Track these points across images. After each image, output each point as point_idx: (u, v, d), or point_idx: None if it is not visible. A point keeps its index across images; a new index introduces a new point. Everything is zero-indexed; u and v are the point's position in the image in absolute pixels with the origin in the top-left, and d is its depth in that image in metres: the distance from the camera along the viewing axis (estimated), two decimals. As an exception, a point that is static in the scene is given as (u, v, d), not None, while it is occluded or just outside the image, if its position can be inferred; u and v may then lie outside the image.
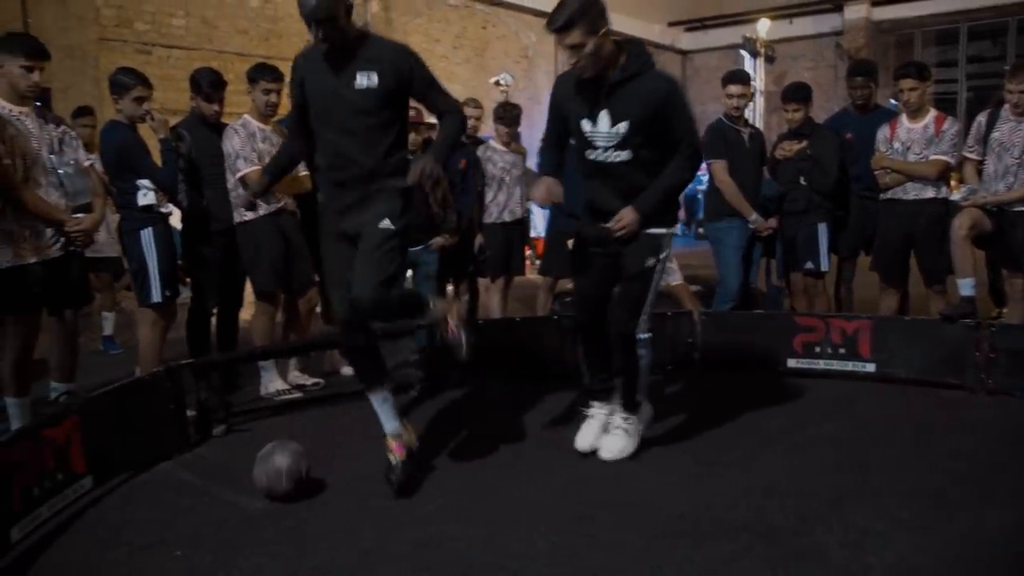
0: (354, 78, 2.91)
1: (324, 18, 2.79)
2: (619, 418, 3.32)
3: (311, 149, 3.17)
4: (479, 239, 5.47)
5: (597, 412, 3.41)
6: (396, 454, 3.07)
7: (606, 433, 3.33)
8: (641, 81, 3.00)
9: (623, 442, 3.29)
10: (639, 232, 3.12)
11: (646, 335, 3.25)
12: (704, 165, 4.49)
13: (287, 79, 3.32)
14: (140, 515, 2.94)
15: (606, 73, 3.00)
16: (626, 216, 3.08)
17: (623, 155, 3.07)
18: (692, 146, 3.09)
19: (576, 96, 3.10)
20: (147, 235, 4.08)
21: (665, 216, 3.19)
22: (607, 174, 3.13)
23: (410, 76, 3.00)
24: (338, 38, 2.88)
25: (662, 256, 3.18)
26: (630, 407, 3.31)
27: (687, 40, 17.54)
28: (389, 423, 3.12)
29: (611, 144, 3.07)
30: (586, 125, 3.10)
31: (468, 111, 5.47)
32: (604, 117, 3.04)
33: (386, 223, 2.92)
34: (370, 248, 2.90)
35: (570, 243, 5.44)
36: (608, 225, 3.10)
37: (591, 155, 3.13)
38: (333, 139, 2.99)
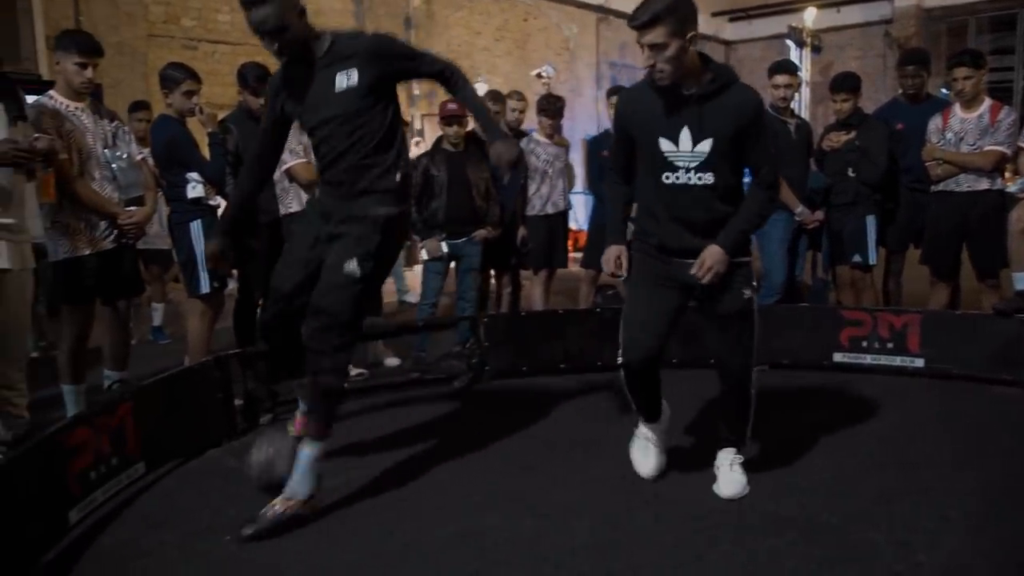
0: (333, 82, 2.76)
1: (273, 29, 2.65)
2: (730, 454, 2.98)
3: (262, 182, 3.17)
4: (522, 231, 5.47)
5: (651, 433, 3.12)
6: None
7: (722, 472, 2.96)
8: (729, 95, 2.66)
9: (742, 478, 2.94)
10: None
11: (754, 372, 2.90)
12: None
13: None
14: (190, 501, 3.02)
15: (683, 84, 2.65)
16: (711, 257, 2.70)
17: (707, 178, 2.70)
18: (773, 174, 2.78)
19: (650, 111, 2.72)
20: (196, 227, 4.15)
21: (746, 246, 2.86)
22: (685, 200, 2.75)
23: (391, 61, 2.83)
24: (298, 47, 2.75)
25: (755, 284, 2.87)
26: (741, 443, 3.01)
27: (731, 30, 17.28)
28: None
29: (693, 165, 2.70)
30: (665, 144, 2.71)
31: (512, 103, 5.48)
32: (686, 135, 2.68)
33: (351, 266, 2.75)
34: (326, 288, 2.77)
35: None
36: (692, 272, 2.73)
37: (669, 179, 2.74)
38: (322, 146, 2.86)
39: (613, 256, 2.94)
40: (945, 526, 2.62)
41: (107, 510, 2.88)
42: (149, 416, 3.18)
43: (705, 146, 2.66)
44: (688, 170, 2.70)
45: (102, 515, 2.84)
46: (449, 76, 2.92)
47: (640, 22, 2.55)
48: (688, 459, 3.27)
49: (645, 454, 3.11)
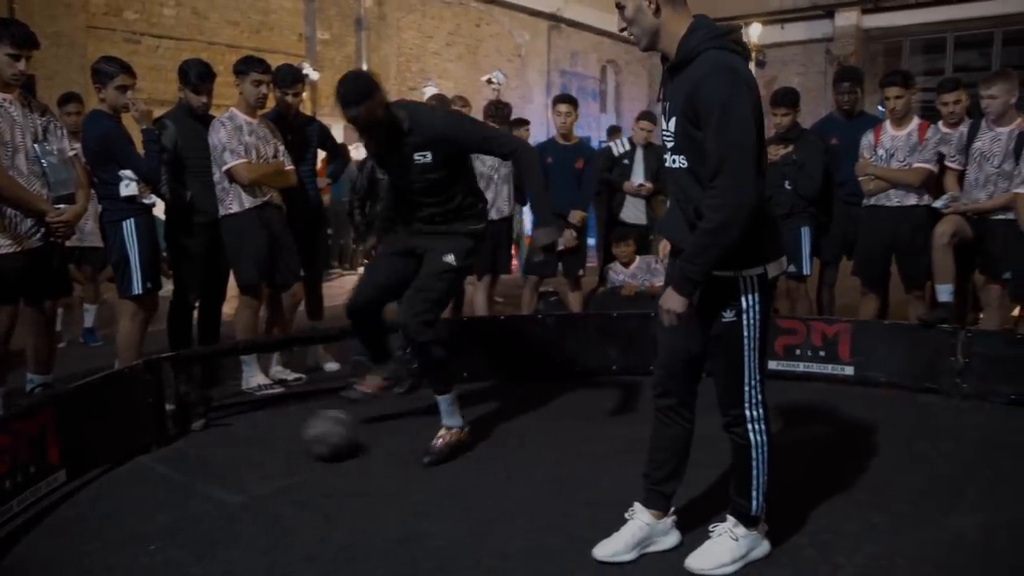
0: (412, 157, 3.28)
1: (363, 127, 3.16)
2: (729, 524, 2.50)
3: None
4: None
5: (637, 517, 2.56)
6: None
7: (709, 541, 2.51)
8: (693, 66, 2.26)
9: (720, 551, 2.45)
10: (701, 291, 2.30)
11: (757, 411, 2.42)
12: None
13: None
14: (115, 509, 2.93)
15: (670, 55, 2.35)
16: (663, 299, 2.32)
17: (680, 161, 2.35)
18: (723, 172, 2.17)
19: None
20: (129, 226, 4.05)
21: (737, 257, 2.27)
22: (675, 187, 2.46)
23: (461, 142, 3.34)
24: (383, 134, 3.23)
25: (747, 304, 2.32)
26: (744, 516, 2.47)
27: (679, 42, 17.58)
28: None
29: (670, 146, 2.38)
30: (662, 122, 2.42)
31: (454, 108, 5.48)
32: (667, 110, 2.38)
33: (449, 258, 3.37)
34: (426, 274, 3.37)
35: (557, 243, 5.50)
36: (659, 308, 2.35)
37: (667, 161, 2.43)
38: (407, 196, 3.44)
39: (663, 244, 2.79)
40: (867, 529, 2.70)
41: (24, 520, 2.77)
42: (72, 421, 3.09)
43: (672, 124, 2.35)
44: (670, 151, 2.39)
45: (17, 526, 2.74)
46: (519, 158, 3.38)
47: None
48: (624, 464, 3.30)
49: (614, 537, 2.54)
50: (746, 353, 2.36)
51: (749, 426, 2.42)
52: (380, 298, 3.54)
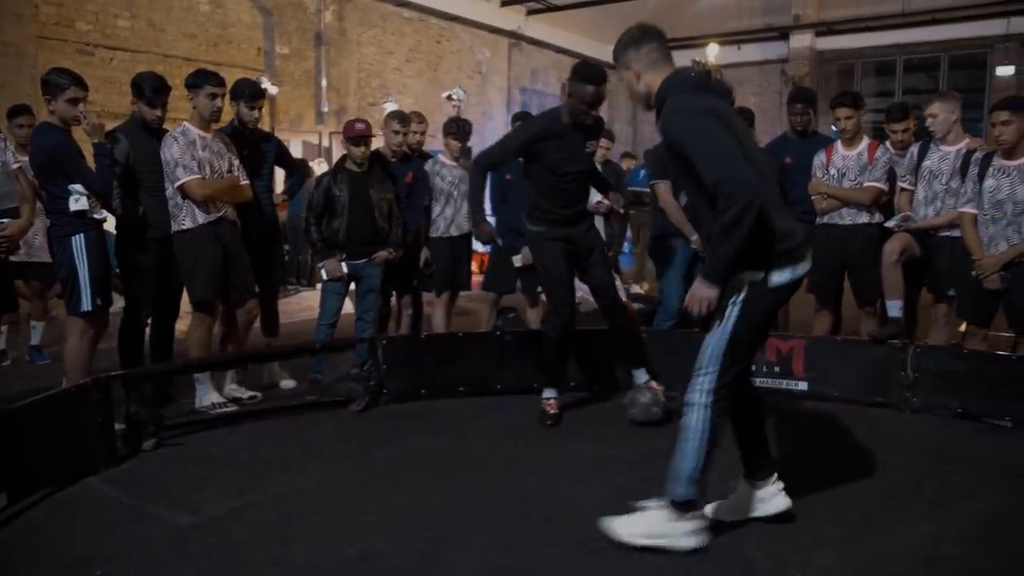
0: (586, 145, 4.03)
1: (599, 102, 3.92)
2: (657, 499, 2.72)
3: None
4: (425, 253, 5.45)
5: (740, 486, 2.92)
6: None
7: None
8: (663, 112, 2.67)
9: (635, 522, 2.69)
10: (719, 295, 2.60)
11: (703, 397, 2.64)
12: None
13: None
14: (60, 533, 2.84)
15: None
16: (696, 291, 2.61)
17: (682, 198, 2.94)
18: (716, 183, 2.45)
19: None
20: (78, 241, 3.95)
21: (739, 261, 2.55)
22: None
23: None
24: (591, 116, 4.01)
25: (734, 299, 2.61)
26: (670, 491, 2.66)
27: (638, 61, 17.83)
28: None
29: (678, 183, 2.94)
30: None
31: (413, 126, 5.47)
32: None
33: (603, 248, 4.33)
34: (606, 267, 4.30)
35: (515, 260, 5.51)
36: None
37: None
38: (567, 184, 4.05)
39: None
40: (820, 542, 2.74)
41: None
42: (16, 442, 3.00)
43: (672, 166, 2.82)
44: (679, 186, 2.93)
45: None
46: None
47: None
48: (580, 481, 3.31)
49: (725, 500, 2.92)
50: (713, 340, 2.64)
51: (690, 404, 2.65)
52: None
